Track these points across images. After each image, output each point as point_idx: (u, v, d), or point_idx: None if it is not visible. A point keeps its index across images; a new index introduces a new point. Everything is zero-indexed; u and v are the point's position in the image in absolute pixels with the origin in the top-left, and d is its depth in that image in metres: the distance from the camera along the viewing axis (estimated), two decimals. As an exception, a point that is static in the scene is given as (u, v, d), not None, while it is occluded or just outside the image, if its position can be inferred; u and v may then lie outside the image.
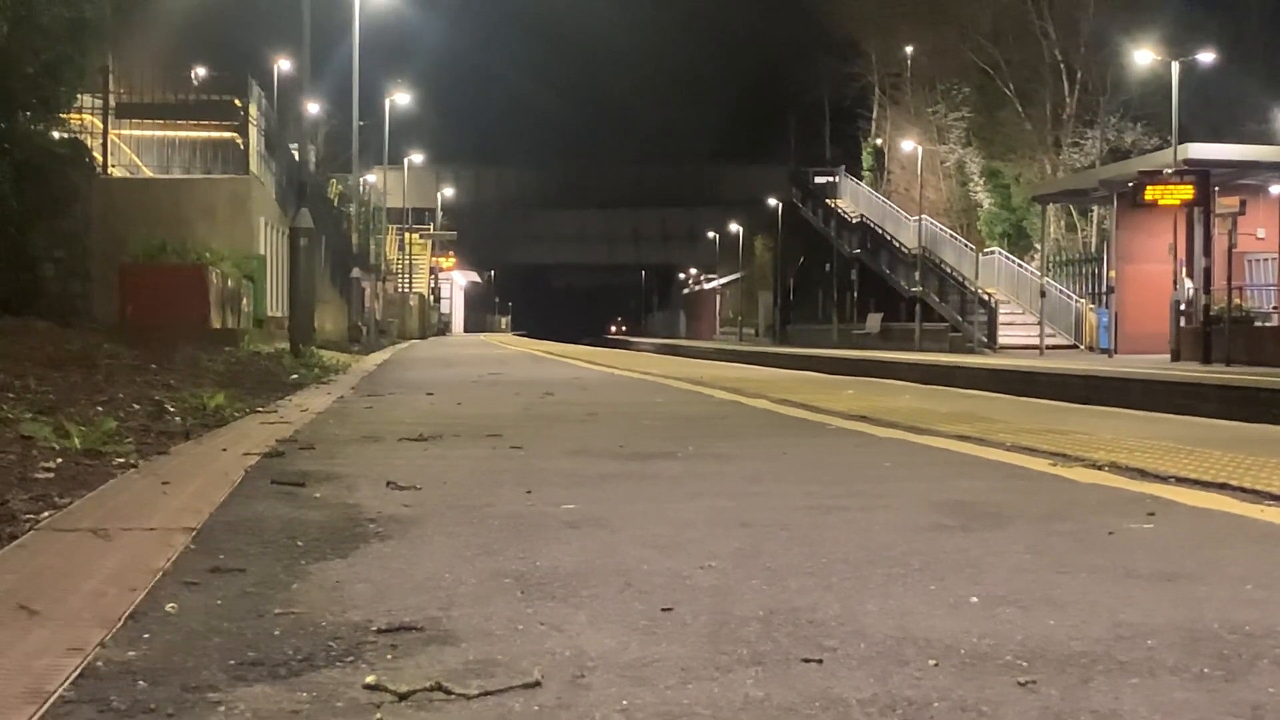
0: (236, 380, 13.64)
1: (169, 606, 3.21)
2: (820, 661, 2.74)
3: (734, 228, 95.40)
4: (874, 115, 74.73)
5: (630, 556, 3.94)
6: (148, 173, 30.98)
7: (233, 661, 2.73)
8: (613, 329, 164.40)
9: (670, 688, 2.55)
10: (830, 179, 75.62)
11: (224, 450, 7.02)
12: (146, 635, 2.94)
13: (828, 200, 73.46)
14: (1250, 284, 34.54)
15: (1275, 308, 33.56)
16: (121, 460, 6.41)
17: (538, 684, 2.56)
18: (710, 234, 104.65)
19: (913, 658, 2.77)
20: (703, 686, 2.56)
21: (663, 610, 3.20)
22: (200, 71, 34.38)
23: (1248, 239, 32.30)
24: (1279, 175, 33.46)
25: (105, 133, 28.10)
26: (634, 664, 2.72)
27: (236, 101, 30.67)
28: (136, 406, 9.44)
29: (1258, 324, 31.57)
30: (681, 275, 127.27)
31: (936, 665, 2.71)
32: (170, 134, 31.71)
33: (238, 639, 2.92)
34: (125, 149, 30.80)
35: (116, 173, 29.05)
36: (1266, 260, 34.53)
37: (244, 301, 26.30)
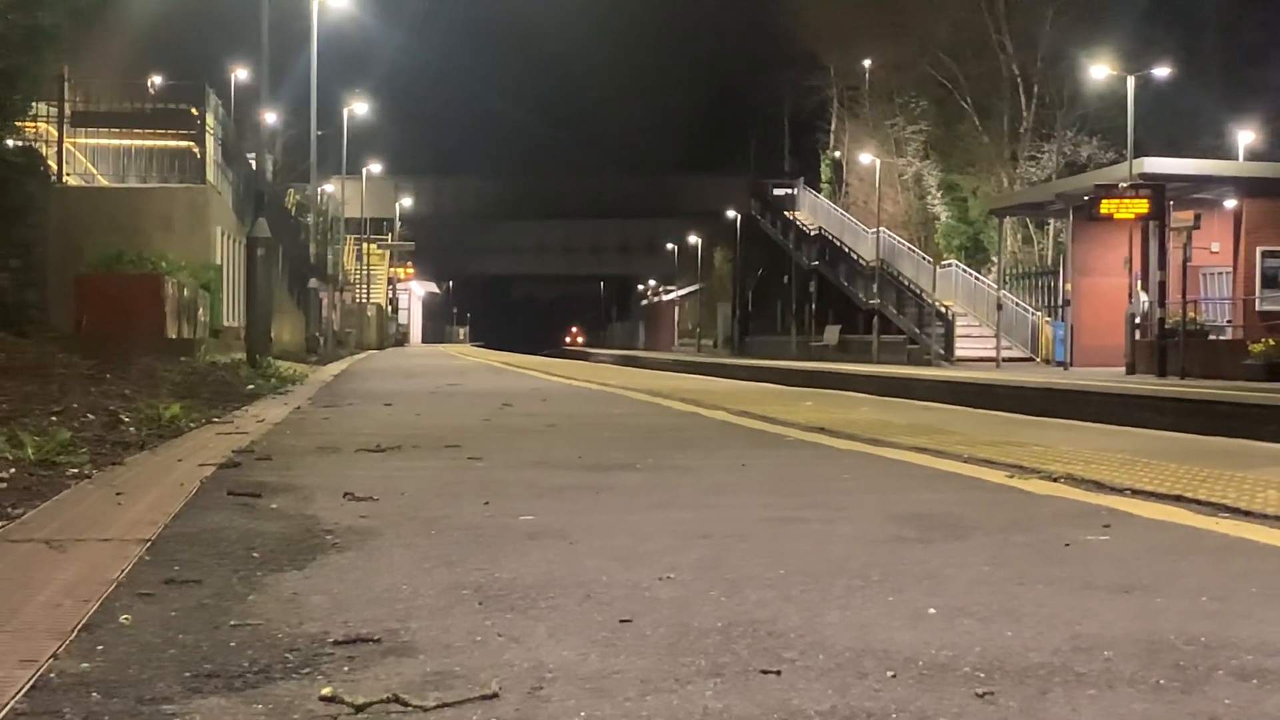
0: (193, 391, 13.56)
1: (123, 618, 3.18)
2: (779, 673, 2.74)
3: (693, 239, 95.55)
4: (832, 128, 75.00)
5: (590, 568, 3.93)
6: (104, 182, 30.80)
7: (188, 673, 2.71)
8: (568, 339, 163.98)
9: (629, 700, 2.55)
10: (789, 191, 75.84)
11: (180, 461, 6.98)
12: (101, 647, 2.92)
13: (786, 212, 73.67)
14: (1205, 297, 34.80)
15: (1229, 321, 33.82)
16: (76, 471, 6.37)
17: (496, 696, 2.55)
18: (670, 245, 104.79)
19: (872, 669, 2.77)
20: (662, 698, 2.56)
21: (622, 622, 3.20)
22: (157, 80, 34.19)
23: (1202, 253, 32.55)
24: (1234, 189, 33.71)
25: (60, 141, 27.93)
26: (593, 676, 2.71)
27: (193, 110, 30.53)
28: (91, 417, 9.38)
29: (1212, 337, 31.85)
30: (641, 286, 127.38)
31: (895, 677, 2.71)
32: (127, 143, 31.54)
33: (193, 651, 2.89)
34: (81, 158, 30.62)
35: (72, 182, 28.88)
36: (1221, 274, 34.79)
37: (201, 311, 26.18)
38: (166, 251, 25.66)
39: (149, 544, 4.27)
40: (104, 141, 31.35)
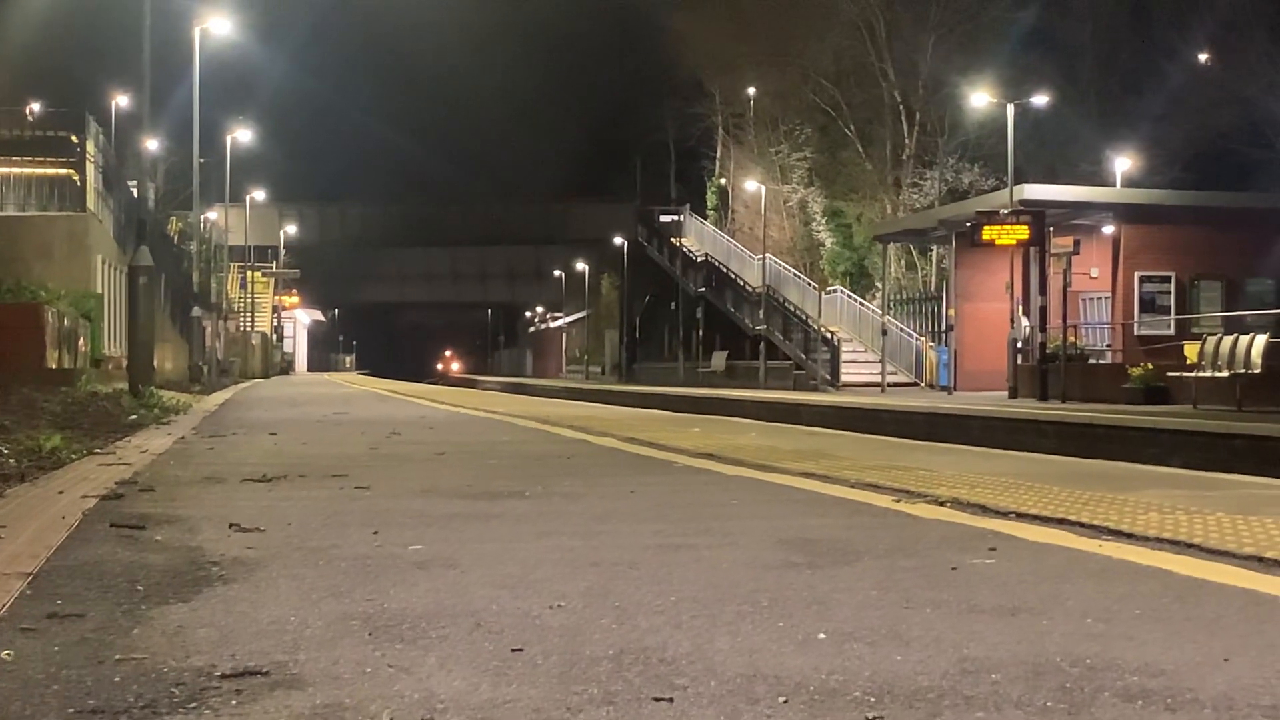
0: (73, 421, 13.35)
1: (4, 654, 3.12)
2: (671, 700, 2.74)
3: (581, 266, 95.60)
4: (718, 155, 75.37)
5: (479, 597, 3.91)
6: (-20, 209, 30.27)
7: (72, 710, 2.66)
8: (441, 366, 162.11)
9: (521, 729, 2.54)
10: (676, 218, 76.15)
11: (61, 493, 6.86)
12: (-19, 685, 2.86)
13: (673, 239, 73.94)
14: (1085, 322, 35.38)
15: (1109, 345, 34.38)
16: (-47, 504, 6.24)
17: (387, 728, 2.53)
18: (557, 272, 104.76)
19: (763, 695, 2.78)
20: (554, 728, 2.55)
21: (513, 651, 3.19)
22: (36, 107, 33.71)
23: (1082, 278, 33.04)
24: (1112, 215, 34.29)
25: (-65, 169, 27.46)
26: (484, 705, 2.69)
27: (74, 138, 30.16)
28: (-31, 449, 9.20)
29: (1092, 361, 32.33)
30: (528, 313, 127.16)
31: (786, 702, 2.73)
32: (4, 170, 31.06)
33: (77, 686, 2.84)
34: (-44, 185, 30.11)
35: (-52, 209, 28.39)
36: (1100, 299, 35.36)
37: (81, 341, 25.80)
38: (46, 280, 25.29)
39: (30, 578, 4.20)
40: (-20, 169, 30.85)
